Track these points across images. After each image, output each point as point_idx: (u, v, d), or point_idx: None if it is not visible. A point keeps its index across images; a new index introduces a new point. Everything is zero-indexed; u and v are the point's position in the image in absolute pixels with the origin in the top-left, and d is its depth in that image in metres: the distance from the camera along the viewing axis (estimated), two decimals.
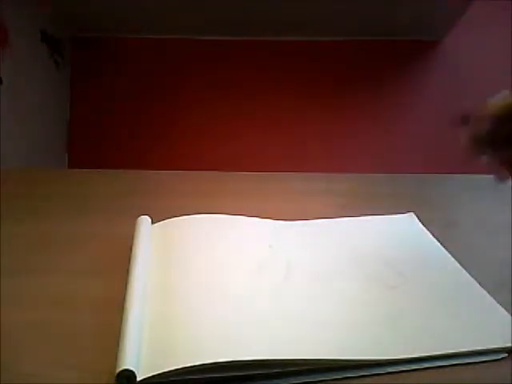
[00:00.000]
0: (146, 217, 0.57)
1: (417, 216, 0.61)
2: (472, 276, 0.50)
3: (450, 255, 0.54)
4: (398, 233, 0.58)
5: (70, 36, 1.78)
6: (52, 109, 1.67)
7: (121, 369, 0.36)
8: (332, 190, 0.69)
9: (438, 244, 0.57)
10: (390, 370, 0.40)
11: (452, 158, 1.67)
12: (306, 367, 0.38)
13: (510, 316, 0.44)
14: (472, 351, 0.41)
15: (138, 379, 0.35)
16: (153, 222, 0.57)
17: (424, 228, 0.60)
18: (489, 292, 0.48)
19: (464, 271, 0.51)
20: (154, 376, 0.35)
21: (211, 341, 0.38)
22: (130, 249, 0.51)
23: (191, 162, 1.65)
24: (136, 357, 0.37)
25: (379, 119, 1.73)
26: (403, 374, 0.39)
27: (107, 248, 0.55)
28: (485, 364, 0.40)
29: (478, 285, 0.49)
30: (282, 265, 0.51)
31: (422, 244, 0.58)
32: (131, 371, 0.35)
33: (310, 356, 0.38)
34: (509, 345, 0.41)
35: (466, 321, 0.45)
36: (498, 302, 0.46)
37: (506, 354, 0.41)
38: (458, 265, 0.53)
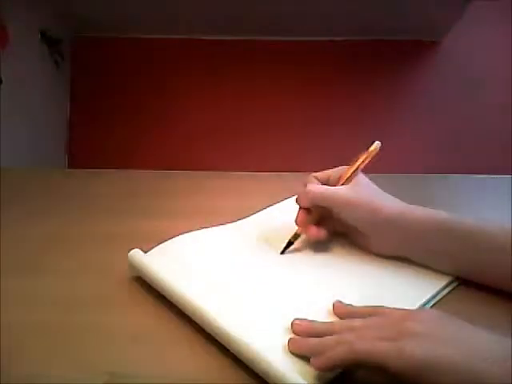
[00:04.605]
0: (138, 250, 0.50)
1: None
2: None
3: None
4: None
5: (70, 36, 1.78)
6: (52, 109, 1.67)
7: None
8: None
9: None
10: None
11: (452, 158, 1.67)
12: None
13: None
14: None
15: None
16: (145, 244, 0.52)
17: None
18: (489, 292, 0.48)
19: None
20: None
21: None
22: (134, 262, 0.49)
23: (192, 161, 1.65)
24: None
25: (379, 119, 1.73)
26: None
27: (107, 248, 0.55)
28: None
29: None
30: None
31: None
32: None
33: None
34: None
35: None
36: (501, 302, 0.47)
37: None
38: None
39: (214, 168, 0.75)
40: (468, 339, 0.35)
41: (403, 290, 0.47)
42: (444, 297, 0.48)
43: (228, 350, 0.40)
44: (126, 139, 1.72)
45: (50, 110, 1.65)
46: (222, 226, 0.57)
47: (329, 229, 0.53)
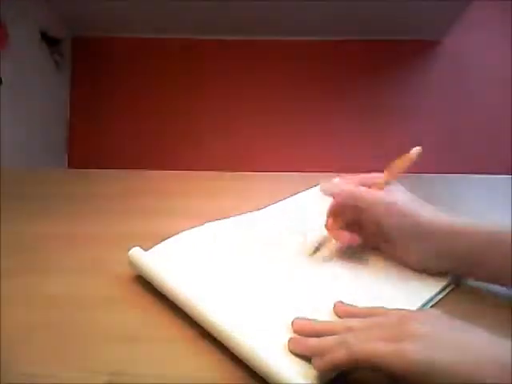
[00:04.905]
0: (138, 248, 0.50)
1: None
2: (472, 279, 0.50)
3: None
4: None
5: (70, 36, 1.78)
6: (52, 109, 1.67)
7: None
8: None
9: None
10: None
11: (452, 158, 1.67)
12: None
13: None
14: None
15: None
16: (145, 242, 0.52)
17: None
18: (489, 292, 0.48)
19: None
20: None
21: None
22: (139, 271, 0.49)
23: (191, 161, 1.65)
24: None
25: (379, 119, 1.73)
26: None
27: (107, 248, 0.55)
28: None
29: None
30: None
31: None
32: None
33: None
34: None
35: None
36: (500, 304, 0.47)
37: None
38: None
39: (214, 168, 0.75)
40: (468, 342, 0.35)
41: (404, 291, 0.47)
42: (444, 297, 0.48)
43: (228, 350, 0.40)
44: (126, 139, 1.73)
45: (50, 110, 1.65)
46: (222, 221, 0.57)
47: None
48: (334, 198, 0.51)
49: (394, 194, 0.49)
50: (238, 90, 1.77)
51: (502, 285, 0.47)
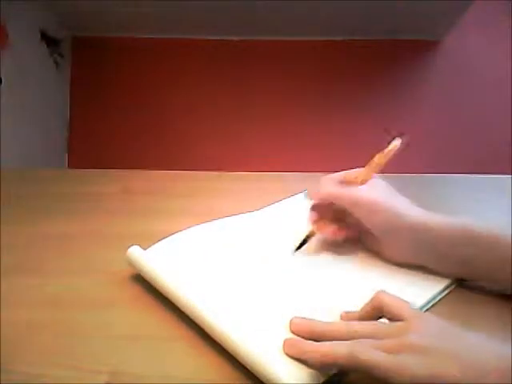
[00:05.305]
0: (137, 247, 0.50)
1: None
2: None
3: None
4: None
5: (70, 36, 1.78)
6: (52, 109, 1.67)
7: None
8: None
9: None
10: None
11: (452, 158, 1.67)
12: None
13: None
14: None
15: None
16: (144, 242, 0.51)
17: None
18: (488, 293, 0.48)
19: None
20: None
21: None
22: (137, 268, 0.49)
23: (191, 161, 1.65)
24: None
25: (379, 119, 1.73)
26: None
27: (107, 248, 0.55)
28: None
29: None
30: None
31: None
32: None
33: None
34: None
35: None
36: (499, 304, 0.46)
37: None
38: None
39: (214, 168, 0.75)
40: (468, 352, 0.34)
41: (403, 291, 0.47)
42: (445, 297, 0.48)
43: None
44: (126, 139, 1.73)
45: (49, 110, 1.65)
46: (220, 221, 0.57)
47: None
48: (313, 199, 0.52)
49: (373, 191, 0.49)
50: (238, 90, 1.77)
51: (497, 285, 0.47)
